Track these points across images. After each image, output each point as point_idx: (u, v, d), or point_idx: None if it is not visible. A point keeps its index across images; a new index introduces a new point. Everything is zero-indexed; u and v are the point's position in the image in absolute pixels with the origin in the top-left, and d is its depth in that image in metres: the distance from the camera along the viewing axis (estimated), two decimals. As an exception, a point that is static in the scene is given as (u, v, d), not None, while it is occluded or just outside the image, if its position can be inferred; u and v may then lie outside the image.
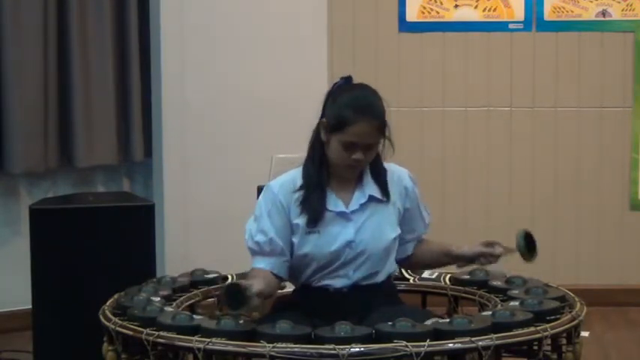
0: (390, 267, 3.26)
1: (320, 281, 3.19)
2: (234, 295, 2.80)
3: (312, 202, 3.17)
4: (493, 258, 3.23)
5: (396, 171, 3.29)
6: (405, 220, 3.29)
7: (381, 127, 3.13)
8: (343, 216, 3.18)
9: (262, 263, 3.17)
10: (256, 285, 2.89)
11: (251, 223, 3.23)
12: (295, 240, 3.18)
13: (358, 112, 3.09)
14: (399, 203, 3.25)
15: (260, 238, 3.18)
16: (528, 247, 3.21)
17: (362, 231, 3.18)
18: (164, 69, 5.15)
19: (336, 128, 3.11)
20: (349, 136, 3.09)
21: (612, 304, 5.38)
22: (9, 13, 4.86)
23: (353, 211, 3.19)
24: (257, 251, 3.19)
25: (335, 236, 3.17)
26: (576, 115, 5.51)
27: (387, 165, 3.27)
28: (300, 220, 3.18)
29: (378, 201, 3.21)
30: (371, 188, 3.22)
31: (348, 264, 3.18)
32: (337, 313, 2.94)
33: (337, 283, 3.19)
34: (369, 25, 5.49)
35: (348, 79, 3.24)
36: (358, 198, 3.20)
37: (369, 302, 3.13)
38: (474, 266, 3.34)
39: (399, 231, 3.25)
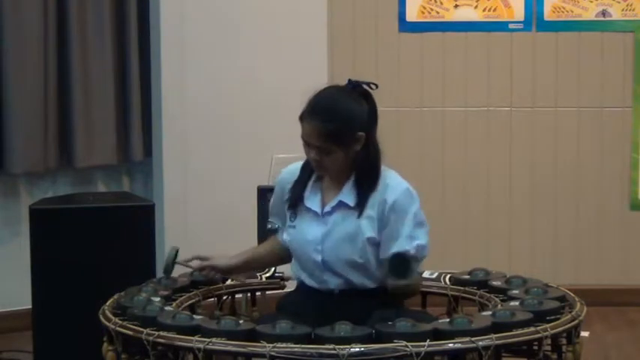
0: (381, 273, 3.19)
1: (310, 283, 3.21)
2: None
3: (292, 194, 3.24)
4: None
5: (390, 182, 3.16)
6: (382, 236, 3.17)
7: (328, 133, 3.05)
8: (316, 217, 3.19)
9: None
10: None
11: None
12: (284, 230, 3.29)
13: (307, 110, 3.11)
14: (373, 213, 3.14)
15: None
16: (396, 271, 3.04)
17: (329, 236, 3.17)
18: (164, 69, 5.15)
19: (300, 122, 3.15)
20: (302, 132, 3.13)
21: (612, 304, 5.37)
22: (9, 13, 4.85)
23: (325, 214, 3.18)
24: None
25: (305, 235, 3.20)
26: (576, 115, 5.51)
27: (385, 174, 3.17)
28: (288, 211, 3.26)
29: (349, 208, 3.16)
30: (346, 194, 3.17)
31: (319, 268, 3.18)
32: (333, 315, 2.93)
33: (323, 287, 3.19)
34: (369, 25, 5.49)
35: (349, 82, 3.22)
36: (333, 201, 3.19)
37: (366, 306, 3.11)
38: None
39: (372, 239, 3.14)
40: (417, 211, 3.14)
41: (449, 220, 5.45)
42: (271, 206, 3.38)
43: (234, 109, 5.25)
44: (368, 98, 3.16)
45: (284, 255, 3.34)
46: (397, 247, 3.08)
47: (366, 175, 3.15)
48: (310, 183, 3.23)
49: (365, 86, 3.17)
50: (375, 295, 3.17)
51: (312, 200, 3.21)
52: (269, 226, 3.40)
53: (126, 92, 5.20)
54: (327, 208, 3.18)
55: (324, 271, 3.18)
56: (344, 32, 5.49)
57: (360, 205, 3.14)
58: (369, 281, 3.17)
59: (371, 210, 3.14)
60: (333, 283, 3.18)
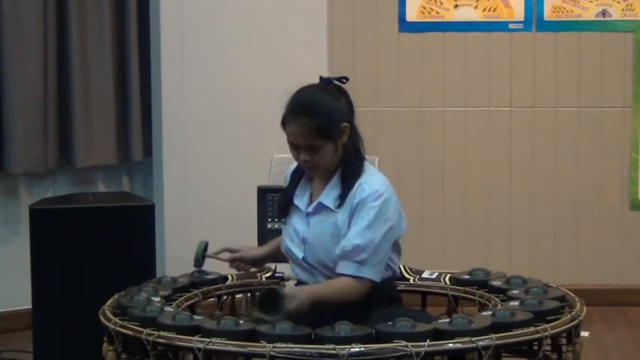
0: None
1: (307, 280, 3.23)
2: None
3: (284, 192, 3.29)
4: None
5: (365, 182, 3.14)
6: None
7: (315, 128, 3.07)
8: (302, 215, 3.22)
9: None
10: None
11: None
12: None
13: (289, 112, 3.14)
14: (346, 213, 3.14)
15: None
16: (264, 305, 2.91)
17: (310, 238, 3.19)
18: (164, 69, 5.15)
19: (283, 128, 3.15)
20: (288, 135, 3.15)
21: (612, 304, 5.38)
22: (9, 13, 4.86)
23: (308, 214, 3.20)
24: None
25: (292, 232, 3.24)
26: (576, 115, 5.51)
27: (368, 173, 3.17)
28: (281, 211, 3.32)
29: (329, 209, 3.17)
30: (327, 194, 3.18)
31: (304, 266, 3.20)
32: (332, 314, 2.92)
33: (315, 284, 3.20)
34: (369, 25, 5.49)
35: (322, 79, 3.25)
36: (314, 202, 3.21)
37: (363, 305, 3.10)
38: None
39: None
40: (374, 212, 3.10)
41: (449, 220, 5.45)
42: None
43: (234, 109, 5.25)
44: (343, 92, 3.22)
45: None
46: (343, 242, 3.09)
47: (352, 166, 3.15)
48: (302, 181, 3.26)
49: (336, 81, 3.24)
50: (372, 294, 3.17)
51: (301, 198, 3.24)
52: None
53: (126, 92, 5.20)
54: (310, 209, 3.20)
55: (311, 269, 3.19)
56: (344, 32, 5.48)
57: (339, 206, 3.14)
58: None
59: (345, 210, 3.14)
60: (323, 281, 3.18)
